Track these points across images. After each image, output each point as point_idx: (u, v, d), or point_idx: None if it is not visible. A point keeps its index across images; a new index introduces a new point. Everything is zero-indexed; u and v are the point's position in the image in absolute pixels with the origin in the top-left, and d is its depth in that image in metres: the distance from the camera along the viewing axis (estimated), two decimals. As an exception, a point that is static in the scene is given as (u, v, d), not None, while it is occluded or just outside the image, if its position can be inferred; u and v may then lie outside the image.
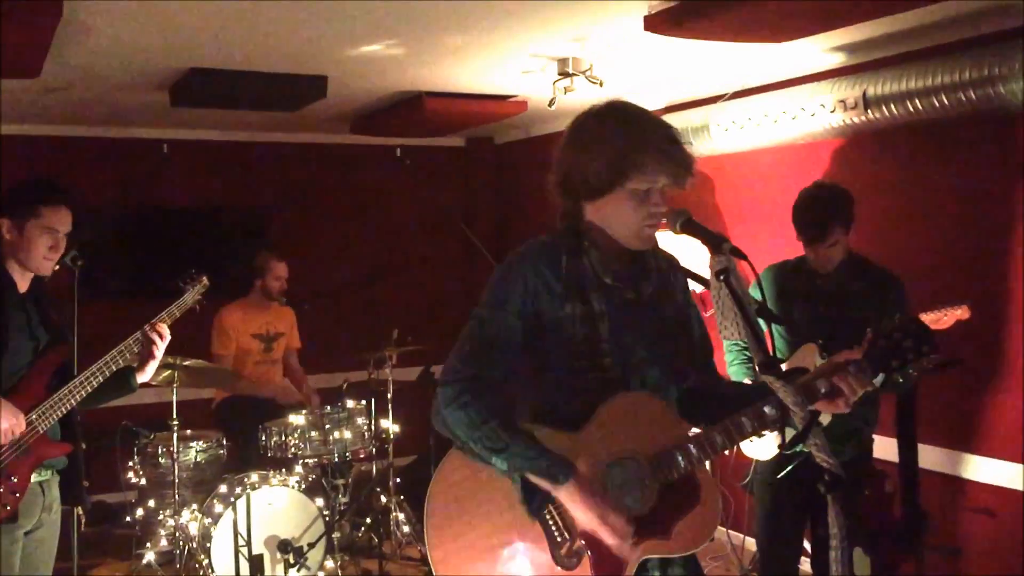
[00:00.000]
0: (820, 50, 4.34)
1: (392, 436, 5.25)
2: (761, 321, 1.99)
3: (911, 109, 3.86)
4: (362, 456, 5.01)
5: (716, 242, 1.93)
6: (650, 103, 5.30)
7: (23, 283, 2.93)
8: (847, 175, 4.28)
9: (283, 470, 4.65)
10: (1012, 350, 3.89)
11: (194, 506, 4.64)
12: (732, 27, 3.56)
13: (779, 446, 3.30)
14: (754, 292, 2.93)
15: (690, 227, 1.98)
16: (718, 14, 3.38)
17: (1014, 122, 3.80)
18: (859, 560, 3.77)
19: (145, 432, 4.91)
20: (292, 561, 4.38)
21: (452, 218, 7.43)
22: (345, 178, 7.17)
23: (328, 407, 4.93)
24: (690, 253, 4.13)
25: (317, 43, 4.05)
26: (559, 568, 2.00)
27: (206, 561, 4.37)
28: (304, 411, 4.86)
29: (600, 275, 2.08)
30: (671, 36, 3.66)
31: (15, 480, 2.76)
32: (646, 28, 3.64)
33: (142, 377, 3.11)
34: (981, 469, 4.02)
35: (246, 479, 4.47)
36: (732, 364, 3.54)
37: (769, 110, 4.58)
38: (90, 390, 2.90)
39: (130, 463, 4.92)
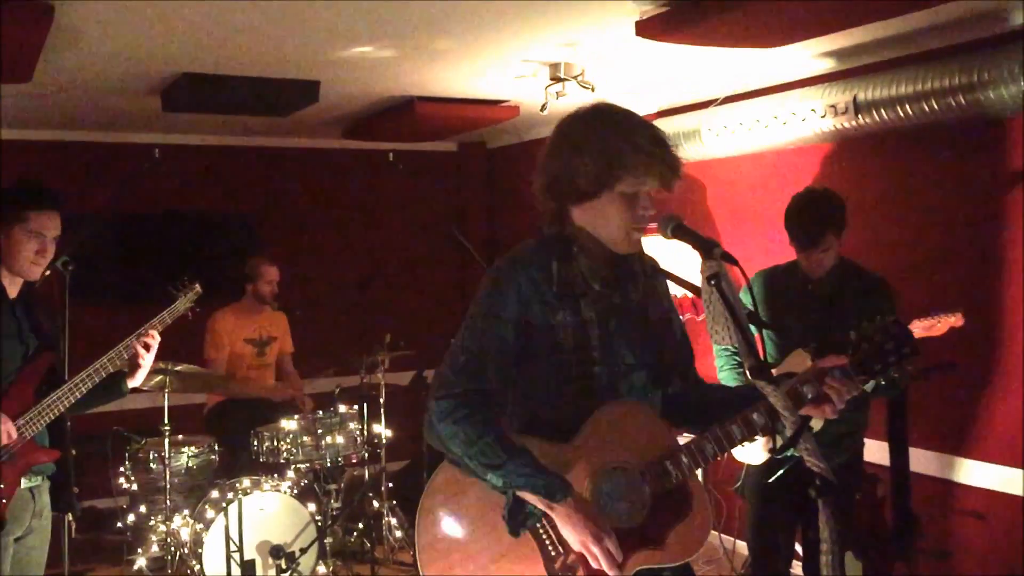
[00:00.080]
0: (811, 55, 4.35)
1: (384, 441, 5.25)
2: (752, 327, 1.99)
3: (901, 114, 3.88)
4: (354, 461, 5.00)
5: (707, 247, 1.92)
6: (642, 108, 5.31)
7: (13, 289, 2.91)
8: (838, 180, 4.30)
9: (275, 475, 4.64)
10: (1004, 354, 3.90)
11: (186, 512, 4.62)
12: (723, 32, 3.57)
13: (770, 451, 3.32)
14: (744, 297, 2.95)
15: (681, 232, 1.97)
16: (709, 19, 3.38)
17: (1004, 127, 3.82)
18: (850, 564, 3.78)
19: (136, 437, 4.90)
20: (284, 566, 4.38)
21: (444, 223, 7.40)
22: (337, 183, 7.17)
23: (320, 412, 4.92)
24: (681, 258, 4.15)
25: (308, 47, 4.05)
26: None
27: (198, 567, 4.35)
28: (296, 416, 4.85)
29: (589, 281, 2.06)
30: (662, 41, 3.67)
31: (2, 486, 2.75)
32: (637, 33, 3.65)
33: (132, 382, 3.10)
34: (973, 473, 4.03)
35: (238, 484, 4.46)
36: (723, 369, 3.55)
37: (760, 115, 4.60)
38: (79, 396, 2.88)
39: (121, 468, 4.90)
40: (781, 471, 3.22)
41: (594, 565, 1.96)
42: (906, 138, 4.13)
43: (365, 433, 5.03)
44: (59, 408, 2.85)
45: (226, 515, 4.34)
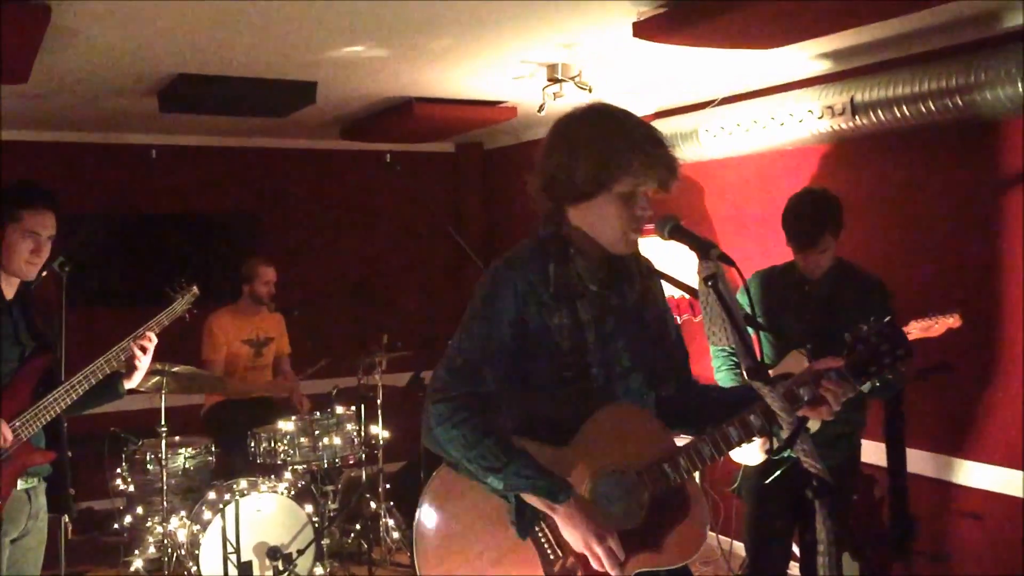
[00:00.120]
0: (808, 57, 4.36)
1: (382, 442, 5.25)
2: (749, 328, 1.99)
3: (898, 115, 3.88)
4: (351, 462, 5.00)
5: (704, 248, 1.92)
6: (639, 109, 5.31)
7: (9, 290, 2.91)
8: (835, 181, 4.29)
9: (272, 476, 4.63)
10: (1001, 356, 3.91)
11: (183, 513, 4.62)
12: (720, 33, 3.58)
13: (767, 452, 3.32)
14: (741, 298, 2.95)
15: (679, 233, 1.97)
16: (706, 21, 3.39)
17: (1001, 128, 3.82)
18: (847, 565, 3.78)
19: (133, 439, 4.89)
20: (281, 568, 4.37)
21: (441, 223, 7.42)
22: (335, 184, 7.17)
23: (317, 413, 4.92)
24: (678, 259, 4.15)
25: (306, 47, 4.05)
26: None
27: (194, 568, 4.35)
28: (293, 417, 4.84)
29: (586, 282, 2.05)
30: (660, 42, 3.67)
31: None
32: (635, 34, 3.65)
33: (129, 384, 3.10)
34: (971, 474, 4.03)
35: (235, 486, 4.45)
36: (720, 370, 3.55)
37: (758, 116, 4.60)
38: (75, 398, 2.88)
39: (118, 470, 4.89)
40: (778, 472, 3.22)
41: (595, 566, 1.95)
42: (903, 139, 4.13)
43: (362, 434, 5.02)
44: (56, 409, 2.85)
45: (223, 516, 4.33)
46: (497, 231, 7.42)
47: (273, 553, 4.39)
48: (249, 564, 4.38)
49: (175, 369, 4.41)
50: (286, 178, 7.00)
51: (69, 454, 3.00)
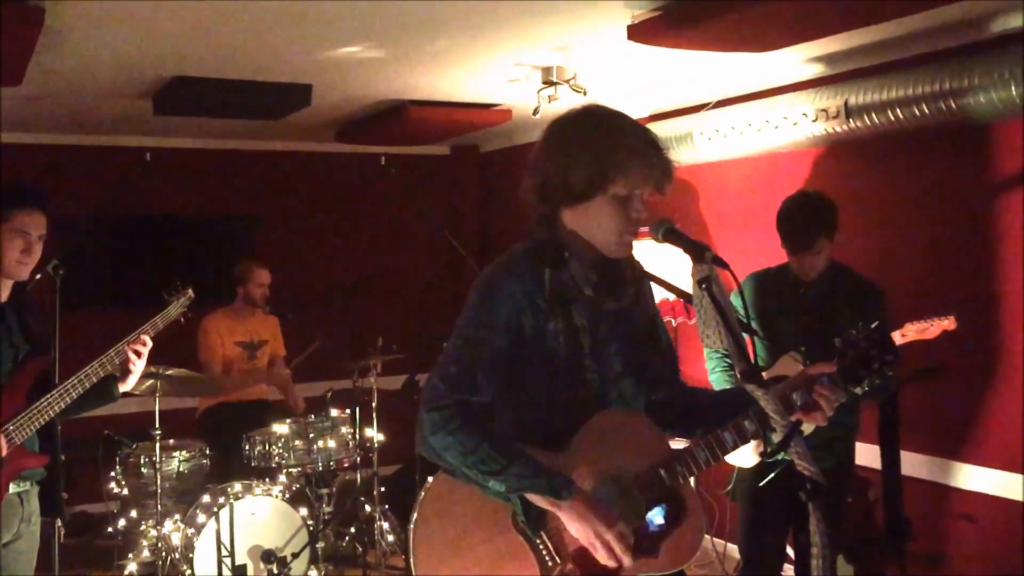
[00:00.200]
0: (802, 60, 4.37)
1: (376, 445, 5.24)
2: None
3: (892, 118, 3.89)
4: (346, 465, 4.99)
5: (698, 251, 1.91)
6: (634, 112, 5.30)
7: (3, 292, 2.90)
8: (829, 184, 4.30)
9: (267, 480, 4.62)
10: (997, 357, 3.91)
11: (177, 516, 4.61)
12: (715, 37, 3.58)
13: (761, 454, 3.33)
14: (735, 300, 2.95)
15: (673, 236, 1.96)
16: (701, 24, 3.39)
17: (994, 131, 3.83)
18: (842, 567, 3.79)
19: (127, 442, 4.88)
20: (276, 571, 4.35)
21: (437, 226, 7.40)
22: (330, 186, 7.17)
23: (312, 416, 4.91)
24: (672, 262, 4.15)
25: (300, 48, 4.05)
26: None
27: (189, 572, 4.34)
28: (288, 420, 4.84)
29: (581, 287, 2.04)
30: (654, 45, 3.67)
31: None
32: (629, 37, 3.66)
33: (123, 387, 3.09)
34: (965, 476, 4.03)
35: (229, 489, 4.44)
36: (714, 372, 3.55)
37: (752, 119, 4.61)
38: (69, 401, 2.87)
39: (112, 473, 4.88)
40: (772, 474, 3.22)
41: (604, 557, 1.93)
42: (897, 142, 4.14)
43: (357, 437, 5.02)
44: (50, 413, 2.84)
45: (217, 520, 4.33)
46: (492, 233, 7.42)
47: (268, 556, 4.38)
48: (244, 567, 4.37)
49: (169, 372, 4.40)
50: (281, 181, 6.99)
51: (63, 457, 2.99)
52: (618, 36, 3.75)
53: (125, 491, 4.87)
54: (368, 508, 5.23)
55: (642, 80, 4.85)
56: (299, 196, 7.05)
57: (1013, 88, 3.43)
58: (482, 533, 1.99)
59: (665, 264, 3.61)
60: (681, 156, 5.05)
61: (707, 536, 4.87)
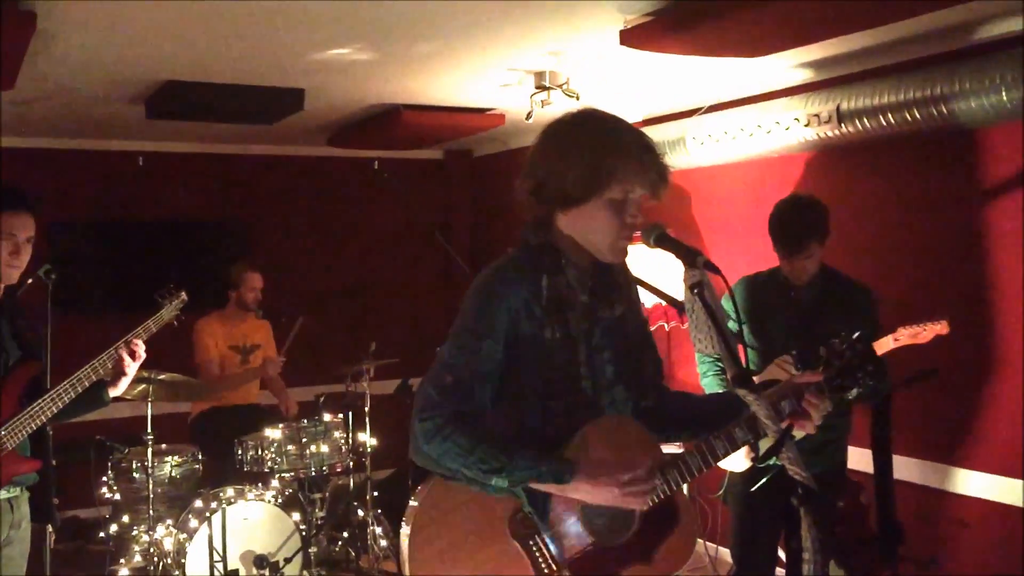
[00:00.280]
0: (794, 65, 4.38)
1: (369, 449, 5.23)
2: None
3: (883, 123, 3.91)
4: (339, 470, 4.98)
5: (690, 256, 1.91)
6: (627, 116, 5.31)
7: (-6, 296, 2.90)
8: (821, 188, 4.32)
9: (259, 484, 4.61)
10: (989, 362, 3.93)
11: (169, 521, 4.59)
12: (707, 42, 3.59)
13: (752, 459, 3.33)
14: (726, 304, 2.95)
15: (664, 241, 1.96)
16: (693, 29, 3.40)
17: (985, 136, 3.85)
18: (834, 571, 3.79)
19: (119, 447, 4.86)
20: (268, 576, 4.36)
21: (430, 230, 7.42)
22: (323, 191, 7.16)
23: (305, 421, 4.90)
24: (664, 267, 4.16)
25: (292, 53, 4.05)
26: None
27: (181, 577, 4.33)
28: (280, 425, 4.83)
29: (578, 293, 2.03)
30: (647, 50, 3.68)
31: None
32: (622, 43, 3.66)
33: (114, 391, 3.08)
34: (959, 480, 4.05)
35: (221, 494, 4.44)
36: (705, 376, 3.55)
37: (744, 124, 4.62)
38: (61, 406, 2.86)
39: (104, 478, 4.86)
40: (764, 479, 3.23)
41: (640, 504, 1.93)
42: (888, 146, 4.16)
43: (350, 442, 5.01)
44: (41, 418, 2.83)
45: (210, 525, 4.32)
46: (486, 238, 7.42)
47: (260, 561, 4.37)
48: (236, 572, 4.36)
49: (161, 377, 4.39)
50: (274, 185, 6.99)
51: (54, 462, 2.97)
52: (611, 41, 3.76)
53: (117, 496, 4.85)
54: (361, 513, 5.21)
55: (635, 85, 4.86)
56: (292, 200, 7.04)
57: (1003, 93, 3.45)
58: (478, 541, 1.98)
59: (657, 269, 3.62)
60: (674, 161, 5.06)
61: (700, 540, 4.88)
